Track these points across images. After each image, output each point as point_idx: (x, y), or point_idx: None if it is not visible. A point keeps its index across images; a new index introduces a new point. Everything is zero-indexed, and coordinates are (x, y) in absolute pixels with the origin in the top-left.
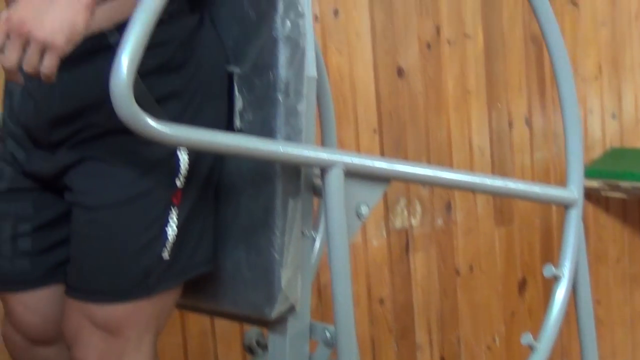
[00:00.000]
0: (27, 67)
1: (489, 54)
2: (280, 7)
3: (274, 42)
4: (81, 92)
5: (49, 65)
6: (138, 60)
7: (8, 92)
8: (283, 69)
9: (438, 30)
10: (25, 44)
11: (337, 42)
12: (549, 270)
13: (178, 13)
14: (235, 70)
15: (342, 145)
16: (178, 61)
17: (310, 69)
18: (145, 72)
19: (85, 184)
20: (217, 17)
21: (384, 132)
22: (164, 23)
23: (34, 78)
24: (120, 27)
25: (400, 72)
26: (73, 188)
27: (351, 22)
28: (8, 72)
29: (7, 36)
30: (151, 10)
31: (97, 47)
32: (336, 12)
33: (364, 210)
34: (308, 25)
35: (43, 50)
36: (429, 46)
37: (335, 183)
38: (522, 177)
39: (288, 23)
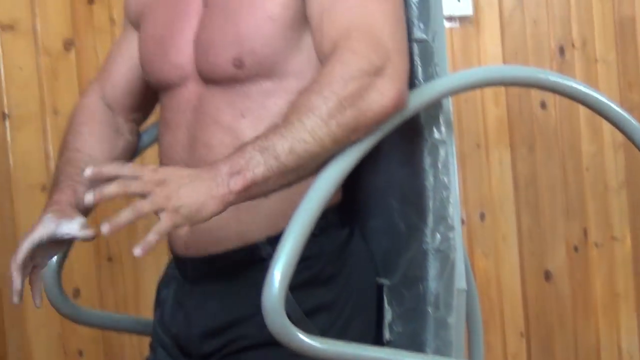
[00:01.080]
0: (136, 213)
1: (638, 256)
2: (430, 220)
3: (423, 254)
4: (233, 305)
5: (158, 229)
6: (290, 275)
7: (159, 301)
8: (433, 282)
9: (585, 233)
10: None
11: (483, 246)
12: None
13: (329, 227)
14: (385, 282)
15: (488, 349)
16: (328, 274)
17: (460, 282)
18: (295, 285)
19: None
20: (367, 229)
21: (531, 335)
22: (314, 237)
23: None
24: (272, 240)
25: (547, 275)
26: None
27: (497, 225)
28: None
29: (143, 192)
30: (303, 225)
31: (250, 260)
32: (482, 216)
33: None
34: (458, 238)
35: (160, 210)
36: (576, 249)
37: None
38: None
39: (438, 236)
